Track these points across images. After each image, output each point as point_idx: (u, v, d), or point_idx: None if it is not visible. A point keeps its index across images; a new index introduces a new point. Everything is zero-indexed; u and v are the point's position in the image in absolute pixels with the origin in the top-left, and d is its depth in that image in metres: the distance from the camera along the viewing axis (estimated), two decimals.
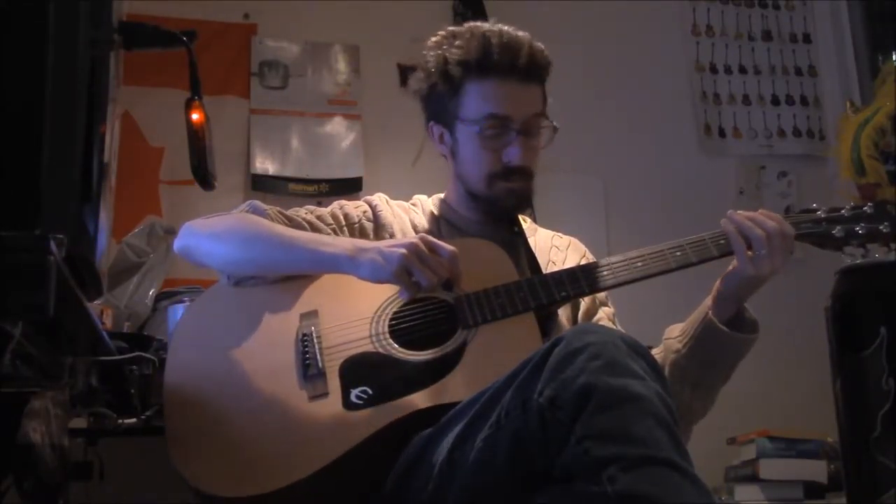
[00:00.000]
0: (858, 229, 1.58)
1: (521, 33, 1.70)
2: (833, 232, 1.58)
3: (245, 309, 1.59)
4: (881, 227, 1.58)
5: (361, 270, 1.49)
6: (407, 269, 1.46)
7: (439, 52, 1.71)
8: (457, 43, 1.69)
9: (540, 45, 1.70)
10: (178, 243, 1.65)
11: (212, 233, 1.61)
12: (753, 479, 2.79)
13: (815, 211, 1.62)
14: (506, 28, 1.70)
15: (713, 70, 3.62)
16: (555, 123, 1.73)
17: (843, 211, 1.60)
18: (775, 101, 3.65)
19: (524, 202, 1.76)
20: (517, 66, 1.66)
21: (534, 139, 1.71)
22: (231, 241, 1.59)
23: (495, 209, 1.74)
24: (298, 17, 3.19)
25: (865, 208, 1.60)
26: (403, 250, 1.46)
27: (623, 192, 3.36)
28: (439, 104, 1.73)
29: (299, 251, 1.54)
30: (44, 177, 1.01)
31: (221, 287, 1.65)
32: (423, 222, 1.76)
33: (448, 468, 1.29)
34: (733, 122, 3.59)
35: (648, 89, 3.49)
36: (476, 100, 1.68)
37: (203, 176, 1.66)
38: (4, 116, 1.01)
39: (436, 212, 1.79)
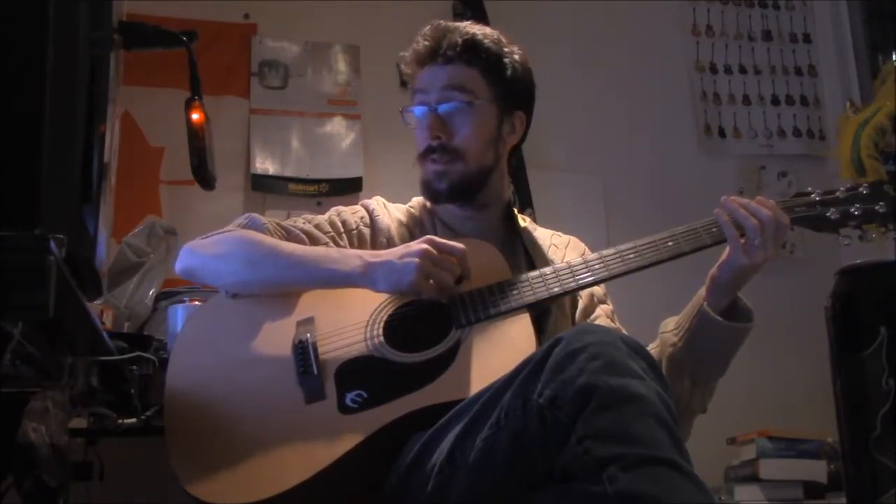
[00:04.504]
0: (854, 210, 1.57)
1: (462, 24, 1.73)
2: (828, 214, 1.57)
3: (244, 318, 1.60)
4: (877, 208, 1.56)
5: (380, 285, 1.52)
6: (425, 276, 1.47)
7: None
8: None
9: (480, 33, 1.70)
10: (180, 265, 1.65)
11: (216, 253, 1.61)
12: (753, 479, 2.79)
13: (809, 194, 1.61)
14: (445, 22, 1.73)
15: (713, 70, 3.62)
16: (469, 100, 1.67)
17: (837, 193, 1.59)
18: (775, 101, 3.65)
19: (454, 184, 1.68)
20: (439, 50, 1.69)
21: (452, 116, 1.69)
22: (238, 262, 1.59)
23: (428, 194, 1.73)
24: (298, 17, 3.18)
25: (861, 189, 1.58)
26: (417, 259, 1.48)
27: (623, 192, 3.36)
28: None
29: (311, 270, 1.55)
30: (44, 177, 1.00)
31: (221, 298, 1.65)
32: (420, 225, 1.76)
33: (448, 468, 1.29)
34: (733, 122, 3.59)
35: (648, 89, 3.49)
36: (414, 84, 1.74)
37: (203, 176, 1.66)
38: (5, 116, 1.01)
39: (432, 214, 1.79)
